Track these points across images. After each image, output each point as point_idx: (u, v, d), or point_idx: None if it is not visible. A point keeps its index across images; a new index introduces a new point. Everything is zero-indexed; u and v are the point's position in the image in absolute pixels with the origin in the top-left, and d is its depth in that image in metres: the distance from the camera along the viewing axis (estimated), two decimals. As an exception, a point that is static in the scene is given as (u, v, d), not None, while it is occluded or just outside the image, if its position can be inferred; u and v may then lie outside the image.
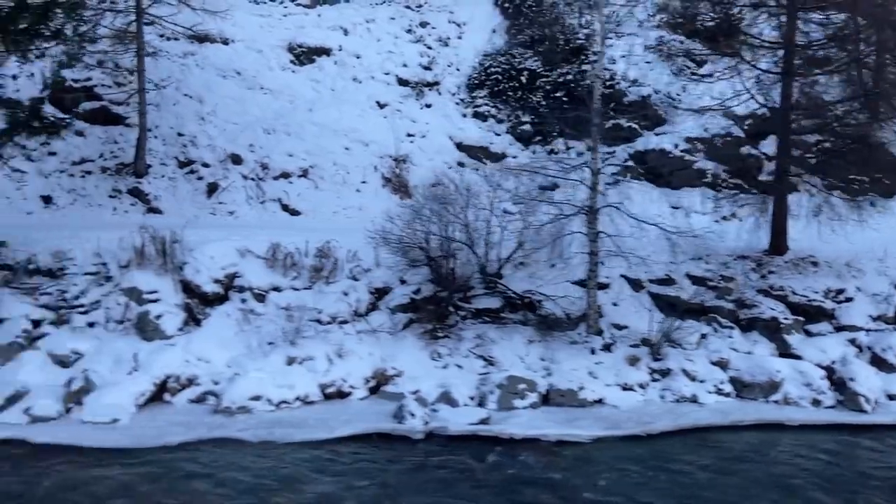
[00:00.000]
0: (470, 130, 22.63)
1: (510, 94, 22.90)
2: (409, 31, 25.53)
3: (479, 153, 22.11)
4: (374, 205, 20.52)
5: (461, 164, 21.82)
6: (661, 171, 21.46)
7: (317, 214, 19.61)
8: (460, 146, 22.12)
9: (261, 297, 14.20)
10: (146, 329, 13.31)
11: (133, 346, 13.04)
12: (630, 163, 21.80)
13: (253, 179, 20.23)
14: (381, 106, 22.79)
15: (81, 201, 19.40)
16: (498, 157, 22.17)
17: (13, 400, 11.78)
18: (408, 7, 26.32)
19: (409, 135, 22.12)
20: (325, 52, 24.03)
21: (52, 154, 19.77)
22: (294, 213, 19.57)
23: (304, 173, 20.47)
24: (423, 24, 25.72)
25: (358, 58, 24.13)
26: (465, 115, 23.04)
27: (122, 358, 12.72)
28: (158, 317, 13.40)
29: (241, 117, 21.53)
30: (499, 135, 22.66)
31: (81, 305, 13.93)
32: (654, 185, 21.36)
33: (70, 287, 14.20)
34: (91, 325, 13.64)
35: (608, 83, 22.62)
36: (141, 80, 19.44)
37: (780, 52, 16.03)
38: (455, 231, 14.44)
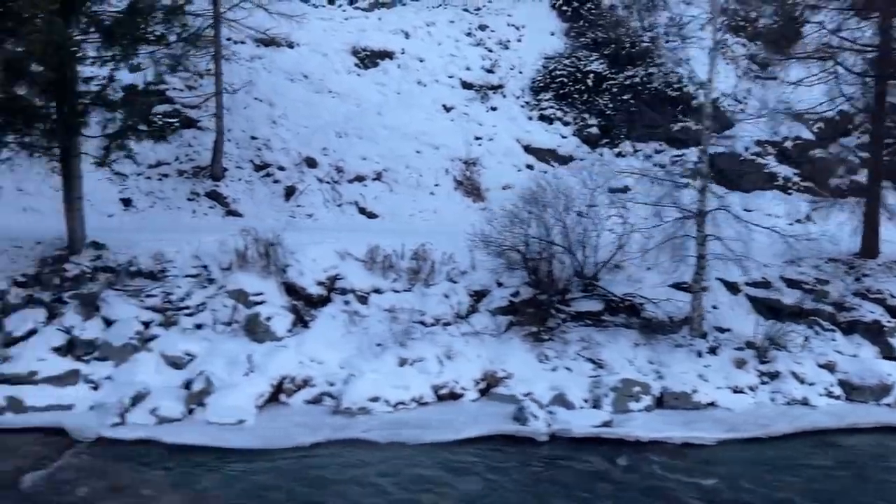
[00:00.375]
0: (537, 133, 22.70)
1: (576, 96, 22.95)
2: (468, 35, 25.61)
3: (547, 156, 22.18)
4: (448, 208, 20.67)
5: (530, 167, 21.91)
6: (731, 174, 21.47)
7: (394, 217, 19.71)
8: (528, 149, 22.19)
9: (363, 299, 14.29)
10: (256, 331, 13.42)
11: (244, 347, 13.16)
12: (699, 166, 21.80)
13: (328, 183, 20.37)
14: (448, 109, 22.89)
15: (160, 204, 19.57)
16: (566, 160, 22.24)
17: (137, 400, 11.93)
18: (466, 10, 26.42)
19: (477, 138, 22.21)
20: (388, 55, 24.16)
21: (128, 157, 19.96)
22: (371, 215, 19.68)
23: (378, 176, 20.59)
24: (483, 28, 25.80)
25: (421, 61, 24.25)
26: (530, 118, 23.11)
27: (236, 359, 12.82)
28: (268, 318, 13.51)
29: (311, 121, 21.68)
30: (565, 137, 22.72)
31: (187, 307, 14.07)
32: (726, 189, 21.38)
33: (174, 289, 14.36)
34: (199, 326, 13.78)
35: (676, 86, 22.72)
36: (218, 83, 19.59)
37: (869, 55, 16.03)
38: (553, 234, 14.49)
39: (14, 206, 18.76)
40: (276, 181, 20.27)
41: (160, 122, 14.61)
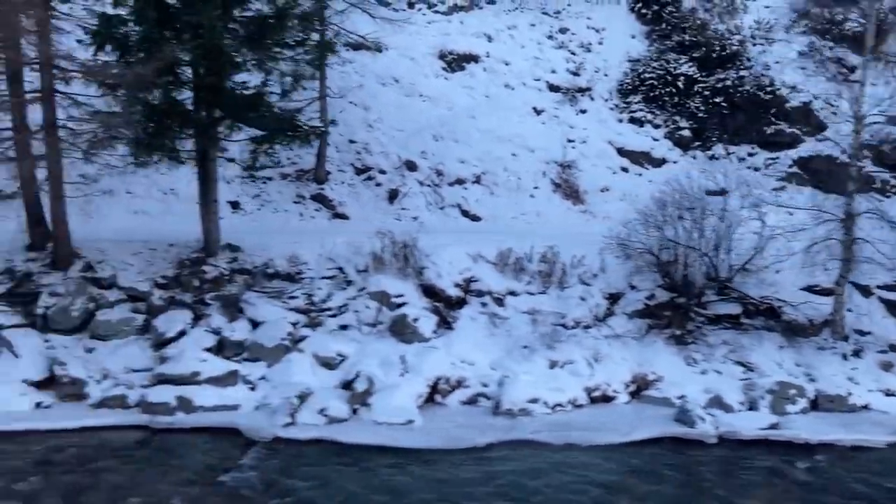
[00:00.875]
0: (628, 136, 22.75)
1: (666, 99, 22.97)
2: (550, 38, 25.71)
3: (640, 158, 22.23)
4: (549, 210, 20.77)
5: (624, 170, 21.98)
6: (826, 177, 21.42)
7: (496, 220, 19.82)
8: (621, 151, 22.24)
9: (499, 301, 14.42)
10: (404, 332, 13.56)
11: (394, 348, 13.32)
12: (794, 169, 21.82)
13: (429, 186, 20.51)
14: (538, 112, 22.99)
15: (267, 207, 19.78)
16: (659, 163, 22.30)
17: (303, 399, 12.09)
18: (545, 13, 26.52)
19: (570, 140, 22.28)
20: (474, 58, 24.29)
21: (231, 161, 20.18)
22: (475, 218, 19.80)
23: (478, 179, 20.72)
24: (563, 31, 25.89)
25: (506, 64, 24.36)
26: (620, 121, 23.17)
27: (389, 360, 12.97)
28: (415, 320, 13.64)
29: (405, 124, 21.84)
30: (657, 140, 22.75)
31: (329, 309, 14.26)
32: (821, 192, 21.34)
33: (315, 291, 14.54)
34: (343, 327, 13.95)
35: (768, 89, 22.69)
36: (322, 87, 19.78)
37: None
38: (689, 237, 14.54)
39: (125, 208, 19.06)
40: (377, 184, 20.45)
41: (305, 128, 14.70)
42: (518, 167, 21.19)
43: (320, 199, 19.85)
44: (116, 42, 13.39)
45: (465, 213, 19.90)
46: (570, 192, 20.84)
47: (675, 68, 23.18)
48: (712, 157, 22.36)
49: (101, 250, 15.07)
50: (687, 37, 24.08)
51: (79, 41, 14.43)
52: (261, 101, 13.48)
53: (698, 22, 24.82)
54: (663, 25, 25.28)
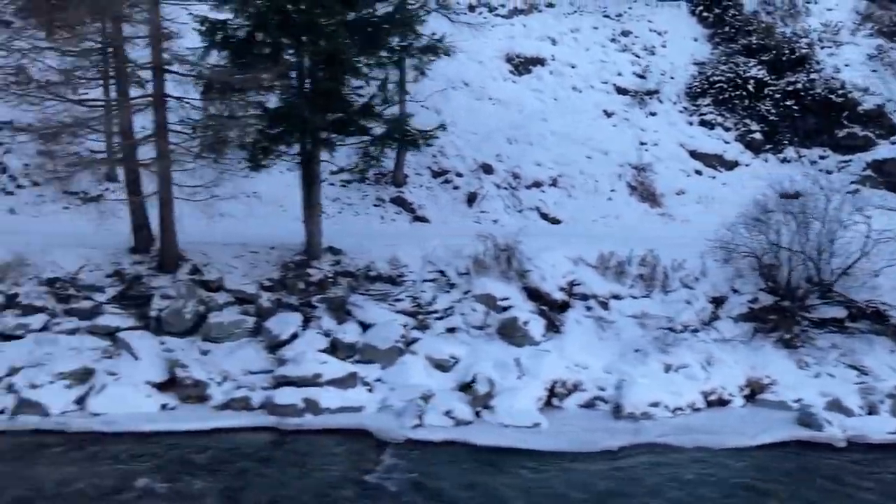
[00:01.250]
0: (699, 138, 22.76)
1: (736, 102, 22.98)
2: (613, 41, 25.75)
3: (713, 161, 22.24)
4: (628, 213, 20.80)
5: (698, 172, 22.00)
6: (901, 179, 21.37)
7: (576, 223, 19.87)
8: (694, 154, 22.26)
9: (604, 305, 14.47)
10: (514, 335, 13.64)
11: (507, 351, 13.40)
12: (868, 171, 21.76)
13: (506, 188, 20.60)
14: (609, 115, 23.05)
15: (348, 210, 19.93)
16: (731, 165, 22.31)
17: (425, 401, 12.19)
18: (606, 16, 26.57)
19: (642, 143, 22.33)
20: (540, 61, 24.38)
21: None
22: (554, 221, 19.86)
23: (554, 182, 20.79)
24: (626, 33, 25.93)
25: (572, 67, 24.43)
26: (690, 123, 23.19)
27: (504, 363, 13.04)
28: (525, 323, 13.72)
29: (478, 127, 21.94)
30: (728, 143, 22.75)
31: (435, 311, 14.35)
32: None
33: (419, 293, 14.64)
34: (450, 330, 14.04)
35: (840, 92, 22.64)
36: (402, 90, 19.90)
37: None
38: (792, 240, 14.55)
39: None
40: (455, 187, 20.56)
41: (415, 132, 14.83)
42: (593, 170, 21.24)
43: (400, 202, 19.98)
44: (231, 47, 13.58)
45: (545, 216, 19.96)
46: (647, 194, 20.87)
47: (744, 71, 23.16)
48: (784, 160, 22.37)
49: (203, 253, 15.25)
50: (754, 40, 24.08)
51: (188, 47, 14.67)
52: (374, 105, 13.59)
53: (763, 25, 24.84)
54: (726, 28, 25.30)
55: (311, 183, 15.10)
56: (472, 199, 20.17)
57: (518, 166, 20.93)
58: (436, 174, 20.70)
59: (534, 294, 14.46)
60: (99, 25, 14.59)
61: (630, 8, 26.79)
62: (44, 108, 13.68)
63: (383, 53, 13.93)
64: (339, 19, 12.44)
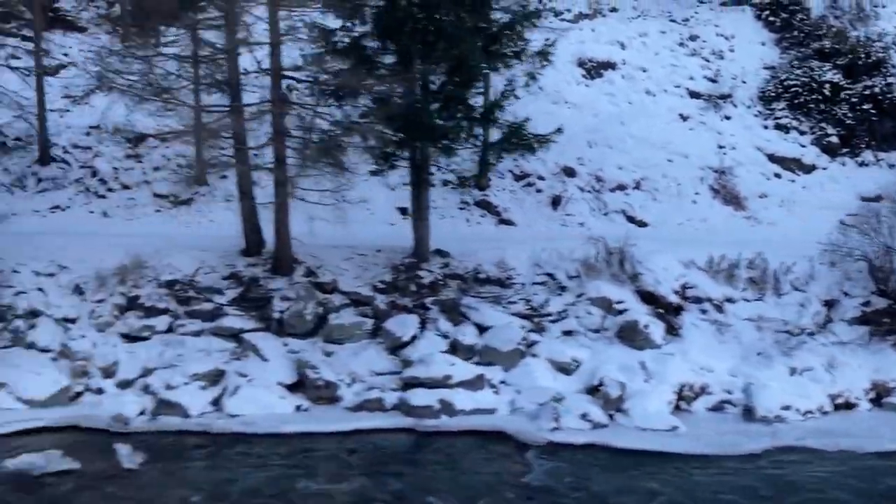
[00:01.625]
0: (775, 142, 22.74)
1: (812, 106, 22.94)
2: (681, 45, 25.77)
3: (791, 164, 22.23)
4: (713, 216, 20.79)
5: (777, 176, 22.00)
6: None
7: (663, 226, 19.88)
8: (772, 158, 22.25)
9: (719, 308, 14.51)
10: (635, 338, 13.69)
11: (628, 354, 13.45)
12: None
13: (589, 191, 20.67)
14: (684, 118, 23.08)
15: (433, 213, 19.86)
16: (809, 169, 22.28)
17: (558, 402, 12.26)
18: (672, 21, 26.61)
19: (720, 147, 22.35)
20: (611, 65, 24.45)
21: (393, 167, 20.45)
22: (641, 224, 19.88)
23: (637, 185, 20.83)
24: (693, 38, 25.93)
25: (644, 71, 24.48)
26: (765, 127, 23.18)
27: (629, 366, 13.10)
28: (646, 326, 13.77)
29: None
30: (804, 146, 22.72)
31: (549, 314, 14.42)
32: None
33: (531, 296, 14.73)
34: (567, 333, 14.11)
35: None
36: (486, 94, 19.98)
37: None
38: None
39: (302, 214, 19.42)
40: (538, 190, 20.65)
41: (531, 136, 14.95)
42: (675, 173, 21.26)
43: (485, 205, 20.09)
44: (348, 53, 13.75)
45: (631, 219, 19.98)
46: (731, 197, 20.88)
47: (819, 76, 23.10)
48: (862, 164, 22.33)
49: (314, 256, 15.40)
50: (827, 44, 24.04)
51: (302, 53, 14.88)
52: (496, 110, 13.72)
53: (833, 29, 24.81)
54: (794, 33, 25.29)
55: (421, 187, 15.23)
56: (556, 202, 20.25)
57: (600, 169, 20.99)
58: (518, 177, 20.79)
59: (647, 297, 14.50)
60: (218, 31, 14.83)
61: (696, 13, 26.84)
62: (173, 113, 13.95)
63: (504, 59, 14.06)
64: (469, 25, 12.57)
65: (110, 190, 19.79)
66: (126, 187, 19.84)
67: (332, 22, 14.92)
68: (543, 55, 14.82)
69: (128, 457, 10.64)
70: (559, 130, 15.42)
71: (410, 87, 13.25)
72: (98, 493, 9.74)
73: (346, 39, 13.51)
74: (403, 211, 19.91)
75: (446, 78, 13.28)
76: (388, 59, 13.90)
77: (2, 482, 9.93)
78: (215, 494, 9.88)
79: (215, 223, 19.12)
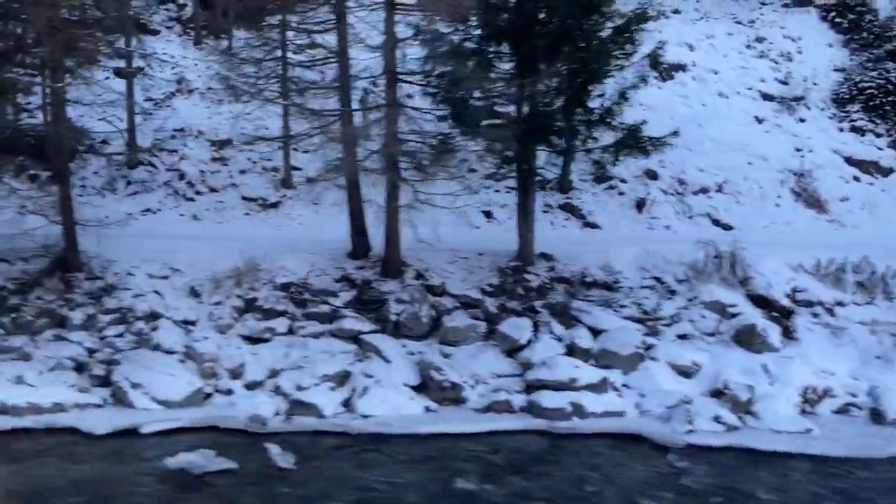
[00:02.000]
0: (852, 145, 22.70)
1: (888, 108, 22.89)
2: (748, 47, 25.78)
3: (869, 167, 22.18)
4: (796, 219, 20.78)
5: (856, 179, 21.95)
6: None
7: (748, 229, 19.79)
8: (849, 160, 22.20)
9: (830, 311, 14.52)
10: (753, 342, 13.72)
11: (748, 357, 13.48)
12: None
13: (673, 194, 20.70)
14: (759, 121, 23.08)
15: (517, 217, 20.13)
16: (887, 172, 22.22)
17: (688, 405, 12.34)
18: (738, 23, 26.62)
19: (797, 149, 22.34)
20: (682, 67, 24.45)
21: (473, 171, 20.55)
22: (726, 227, 19.87)
23: (720, 188, 20.85)
24: (760, 40, 25.93)
25: (715, 73, 24.49)
26: (840, 130, 23.14)
27: (751, 369, 13.14)
28: (764, 330, 13.80)
29: (633, 133, 22.09)
30: (881, 149, 22.67)
31: (662, 318, 14.47)
32: None
33: (642, 300, 14.80)
34: (681, 336, 14.16)
35: None
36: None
37: None
38: None
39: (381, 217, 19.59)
40: (620, 193, 20.69)
41: (646, 139, 15.03)
42: (756, 176, 21.26)
43: (569, 208, 20.16)
44: (463, 57, 13.87)
45: (717, 223, 20.00)
46: (813, 200, 20.86)
47: (895, 77, 23.06)
48: (940, 167, 22.27)
49: (420, 259, 15.53)
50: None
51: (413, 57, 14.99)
52: (613, 113, 13.82)
53: (900, 30, 24.76)
54: (864, 34, 25.24)
55: (528, 191, 15.34)
56: (640, 204, 20.30)
57: (682, 172, 21.02)
58: (599, 180, 20.86)
59: (759, 301, 14.54)
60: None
61: (761, 14, 26.85)
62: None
63: (619, 61, 14.19)
64: (594, 27, 12.68)
65: (198, 193, 20.00)
66: (213, 190, 20.05)
67: (441, 27, 15.04)
68: (654, 59, 14.83)
69: (280, 456, 10.79)
70: (675, 133, 15.35)
71: (532, 91, 13.33)
72: (264, 492, 9.89)
73: (467, 44, 13.59)
74: (488, 214, 20.11)
75: (568, 81, 13.38)
76: (504, 64, 14.01)
77: (165, 480, 10.11)
78: (381, 492, 10.02)
79: (304, 226, 19.30)
